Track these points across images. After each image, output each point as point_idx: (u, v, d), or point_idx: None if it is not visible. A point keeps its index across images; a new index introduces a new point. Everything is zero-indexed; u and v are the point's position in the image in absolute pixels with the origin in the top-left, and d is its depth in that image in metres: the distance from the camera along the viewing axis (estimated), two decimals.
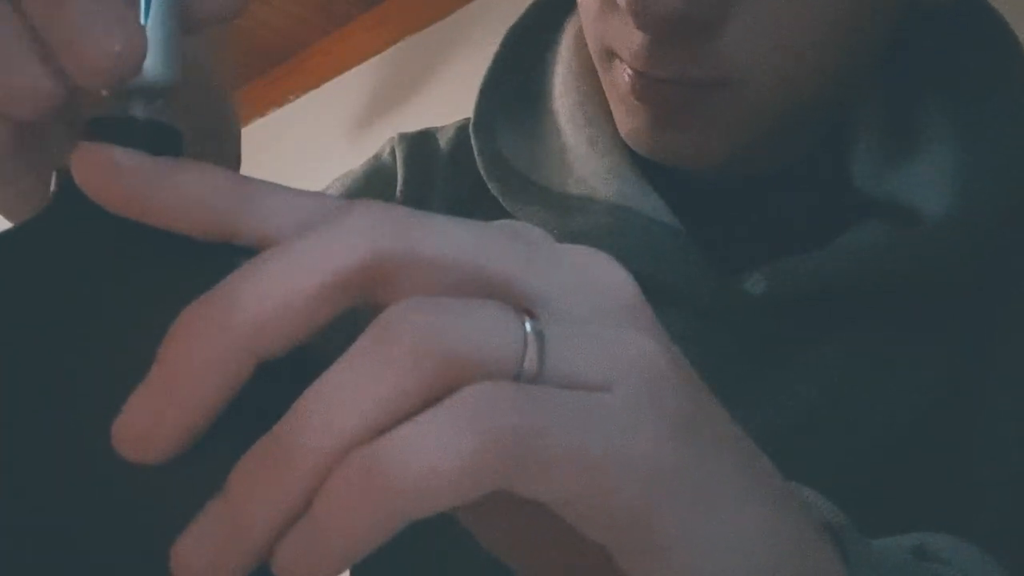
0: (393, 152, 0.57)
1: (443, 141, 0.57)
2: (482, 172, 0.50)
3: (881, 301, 0.44)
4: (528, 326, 0.21)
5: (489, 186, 0.50)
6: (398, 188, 0.55)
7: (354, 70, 2.68)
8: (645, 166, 0.46)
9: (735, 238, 0.46)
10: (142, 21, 0.22)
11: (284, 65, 2.85)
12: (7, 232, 0.22)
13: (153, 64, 0.23)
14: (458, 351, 0.20)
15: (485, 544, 0.26)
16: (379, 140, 0.61)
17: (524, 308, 0.21)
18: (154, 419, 0.20)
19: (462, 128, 0.56)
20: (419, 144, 0.57)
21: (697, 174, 0.47)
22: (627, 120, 0.44)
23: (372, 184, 0.56)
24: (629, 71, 0.42)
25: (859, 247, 0.42)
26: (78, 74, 0.22)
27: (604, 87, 0.46)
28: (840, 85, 0.43)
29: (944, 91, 0.46)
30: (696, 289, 0.44)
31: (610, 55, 0.43)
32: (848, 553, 0.26)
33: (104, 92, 0.23)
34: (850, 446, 0.43)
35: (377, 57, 2.62)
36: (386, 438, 0.19)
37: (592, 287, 0.23)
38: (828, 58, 0.41)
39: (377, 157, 0.58)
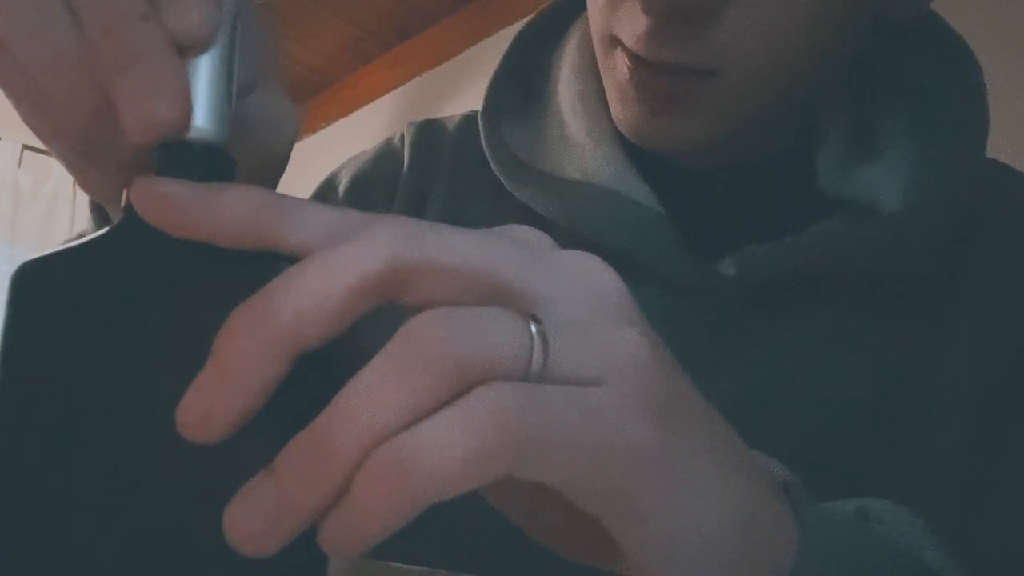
0: (402, 137, 0.55)
1: (450, 127, 0.55)
2: (488, 155, 0.48)
3: (842, 286, 0.42)
4: (533, 329, 0.20)
5: (493, 168, 0.48)
6: (404, 169, 0.53)
7: (377, 101, 2.68)
8: (635, 157, 0.45)
9: (712, 225, 0.44)
10: (194, 82, 0.22)
11: (317, 97, 2.85)
12: (87, 242, 0.22)
13: (203, 118, 0.22)
14: (471, 358, 0.19)
15: (498, 509, 0.26)
16: None
17: (528, 312, 0.21)
18: (209, 405, 0.20)
19: (467, 117, 0.55)
20: (426, 131, 0.55)
21: (682, 167, 0.45)
22: (621, 108, 0.42)
23: (380, 165, 0.54)
24: (628, 62, 0.40)
25: (821, 237, 0.41)
26: (128, 134, 0.22)
27: (603, 76, 0.44)
28: (813, 86, 0.42)
29: (902, 102, 0.44)
30: (674, 268, 0.43)
31: (613, 43, 0.41)
32: (799, 513, 0.26)
33: None
34: (809, 416, 0.42)
35: (398, 90, 2.62)
36: (410, 433, 0.19)
37: (586, 289, 0.22)
38: (806, 59, 0.40)
39: (388, 141, 0.56)
